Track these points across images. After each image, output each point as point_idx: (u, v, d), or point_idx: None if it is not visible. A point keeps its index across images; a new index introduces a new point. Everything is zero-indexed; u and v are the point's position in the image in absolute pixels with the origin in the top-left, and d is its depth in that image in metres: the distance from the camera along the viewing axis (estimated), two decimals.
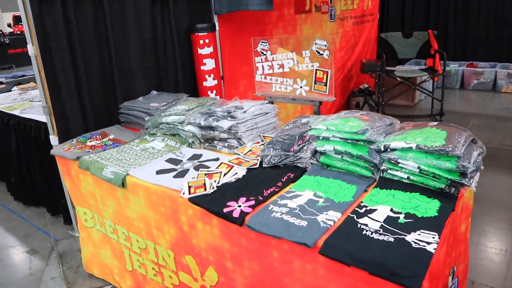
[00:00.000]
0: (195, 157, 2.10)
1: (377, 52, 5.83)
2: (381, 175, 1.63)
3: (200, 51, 3.09)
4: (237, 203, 1.57)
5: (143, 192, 1.91)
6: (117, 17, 2.85)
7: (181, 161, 2.07)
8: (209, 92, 3.17)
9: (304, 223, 1.38)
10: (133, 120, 2.69)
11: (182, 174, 1.90)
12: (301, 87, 2.33)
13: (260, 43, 2.41)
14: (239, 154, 2.02)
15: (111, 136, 2.57)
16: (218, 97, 2.53)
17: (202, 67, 3.12)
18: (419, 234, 1.26)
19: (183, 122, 2.30)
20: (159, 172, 1.96)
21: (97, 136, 2.58)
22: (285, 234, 1.34)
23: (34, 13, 2.49)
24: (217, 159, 2.03)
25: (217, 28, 3.21)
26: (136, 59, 2.96)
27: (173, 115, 2.35)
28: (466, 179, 1.42)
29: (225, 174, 1.81)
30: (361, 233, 1.30)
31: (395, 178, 1.59)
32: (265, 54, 2.41)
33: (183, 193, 1.71)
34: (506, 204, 3.21)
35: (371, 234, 1.29)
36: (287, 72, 2.37)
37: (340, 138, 1.68)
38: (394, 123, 1.80)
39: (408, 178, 1.55)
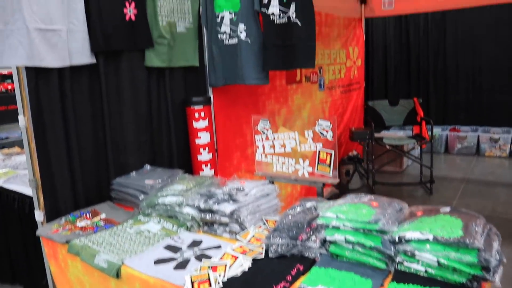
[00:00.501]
0: (195, 243, 1.99)
1: (364, 120, 5.94)
2: (396, 267, 1.55)
3: (195, 124, 3.06)
4: None
5: (140, 284, 1.78)
6: (113, 89, 2.82)
7: (180, 248, 1.95)
8: (203, 166, 3.11)
9: None
10: (126, 198, 2.59)
11: (183, 265, 1.79)
12: (303, 167, 2.29)
13: (261, 121, 2.40)
14: (242, 241, 1.92)
15: (103, 216, 2.45)
16: (215, 176, 2.46)
17: (197, 141, 3.08)
18: None
19: (182, 204, 2.21)
20: (157, 262, 1.84)
21: (87, 215, 2.46)
22: None
23: (30, 86, 2.43)
24: (219, 247, 1.93)
25: (212, 100, 3.21)
26: (130, 132, 2.90)
27: (171, 196, 2.27)
28: (490, 274, 1.35)
29: (230, 266, 1.70)
30: None
31: (412, 271, 1.51)
32: (266, 133, 2.40)
33: None
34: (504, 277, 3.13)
35: None
36: (289, 152, 2.34)
37: (351, 227, 1.62)
38: (403, 207, 1.76)
39: (425, 271, 1.47)
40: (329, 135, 2.14)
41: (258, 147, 2.44)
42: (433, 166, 5.09)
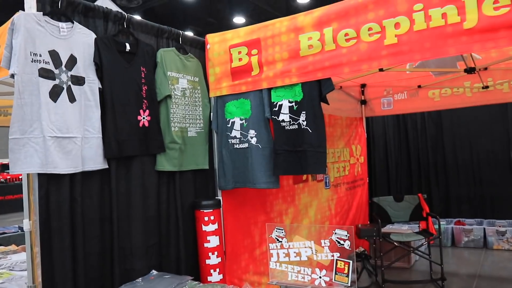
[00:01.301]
0: None
1: (369, 216, 5.89)
2: None
3: (204, 227, 3.01)
4: None
5: None
6: (123, 193, 2.82)
7: None
8: (211, 271, 3.00)
9: None
10: None
11: None
12: (320, 277, 2.21)
13: (276, 229, 2.36)
14: None
15: None
16: (225, 284, 2.36)
17: (206, 244, 3.01)
18: None
19: None
20: None
21: None
22: None
23: (41, 192, 2.43)
24: None
25: (221, 203, 3.20)
26: (138, 236, 2.84)
27: None
28: None
29: None
30: None
31: None
32: (281, 241, 2.35)
33: None
34: None
35: None
36: (305, 261, 2.28)
37: None
38: None
39: None
40: (347, 245, 2.10)
41: (272, 255, 2.37)
42: (443, 263, 4.93)
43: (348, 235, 2.07)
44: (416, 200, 5.21)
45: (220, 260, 3.03)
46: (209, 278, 3.00)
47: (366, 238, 4.92)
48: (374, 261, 5.19)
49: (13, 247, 5.25)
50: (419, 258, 6.10)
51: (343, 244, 2.10)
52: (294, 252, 2.28)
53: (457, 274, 5.51)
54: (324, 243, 2.16)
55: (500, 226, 6.68)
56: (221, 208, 3.16)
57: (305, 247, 2.23)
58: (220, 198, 3.26)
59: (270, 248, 2.36)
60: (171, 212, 3.06)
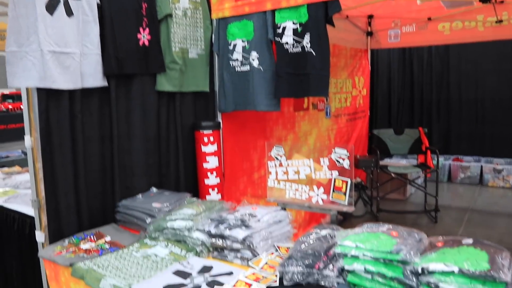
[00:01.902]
0: (206, 269, 1.93)
1: (369, 148, 5.93)
2: None
3: (204, 148, 3.04)
4: None
5: None
6: (123, 112, 2.81)
7: (190, 274, 1.89)
8: (210, 190, 3.06)
9: None
10: (132, 221, 2.53)
11: None
12: (318, 195, 2.25)
13: (275, 148, 2.37)
14: (255, 268, 1.86)
15: (108, 238, 2.39)
16: (224, 202, 2.42)
17: (205, 165, 3.05)
18: None
19: (191, 228, 2.16)
20: (167, 287, 1.78)
21: (92, 237, 2.40)
22: None
23: (41, 107, 2.42)
24: (231, 273, 1.87)
25: (221, 125, 3.20)
26: (138, 155, 2.87)
27: (180, 220, 2.21)
28: None
29: None
30: None
31: None
32: (280, 160, 2.37)
33: None
34: None
35: None
36: (303, 179, 2.31)
37: (371, 257, 1.57)
38: (423, 238, 1.71)
39: None
40: (346, 164, 2.12)
41: (270, 173, 2.40)
42: (438, 195, 5.05)
43: (348, 154, 2.08)
44: (416, 133, 5.23)
45: (219, 181, 3.09)
46: (207, 198, 3.07)
47: (364, 168, 4.99)
48: (370, 192, 5.32)
49: (17, 168, 5.35)
50: (414, 191, 6.25)
51: (342, 163, 2.11)
52: (293, 171, 2.31)
53: (450, 207, 5.67)
54: (324, 161, 2.18)
55: (497, 164, 6.77)
56: (220, 130, 3.17)
57: (304, 166, 2.26)
58: (220, 120, 3.26)
59: (269, 166, 2.39)
60: (171, 132, 3.07)
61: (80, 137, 2.58)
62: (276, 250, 2.02)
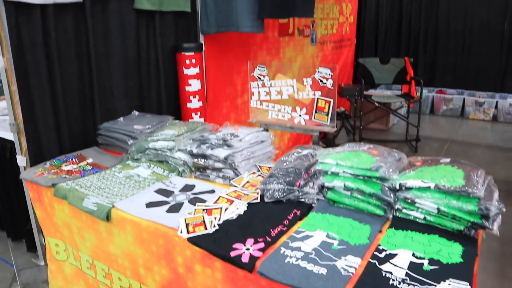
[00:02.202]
0: (188, 188, 1.94)
1: (353, 77, 5.88)
2: (395, 214, 1.54)
3: (185, 71, 2.95)
4: (245, 246, 1.43)
5: (132, 227, 1.74)
6: (100, 31, 2.67)
7: (173, 192, 1.91)
8: (193, 114, 3.02)
9: (323, 271, 1.27)
10: (113, 143, 2.50)
11: (176, 208, 1.75)
12: (300, 115, 2.23)
13: (258, 68, 2.30)
14: (236, 186, 1.88)
15: (90, 160, 2.37)
16: (206, 123, 2.38)
17: (187, 88, 2.98)
18: (449, 284, 1.17)
19: (173, 148, 2.14)
20: (149, 205, 1.79)
21: (73, 160, 2.37)
22: (305, 284, 1.22)
23: (10, 23, 2.27)
24: (213, 191, 1.89)
25: (203, 48, 3.09)
26: (118, 77, 2.78)
27: (162, 141, 2.19)
28: (489, 223, 1.35)
29: (225, 210, 1.67)
30: (388, 283, 1.19)
31: (410, 218, 1.50)
32: (262, 80, 2.31)
33: (181, 232, 1.56)
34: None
35: (399, 284, 1.19)
36: (286, 99, 2.27)
37: (351, 174, 1.59)
38: (402, 157, 1.74)
39: (424, 218, 1.47)
40: (329, 83, 2.07)
41: (253, 93, 2.36)
42: (419, 125, 5.12)
43: (332, 73, 2.03)
44: (402, 63, 5.17)
45: (201, 104, 3.04)
46: (190, 121, 3.04)
47: (348, 97, 4.98)
48: (354, 121, 5.35)
49: None
50: (397, 122, 6.33)
51: (325, 83, 2.07)
52: (276, 91, 2.26)
53: (431, 138, 5.78)
54: (307, 81, 2.14)
55: (479, 97, 6.82)
56: (203, 52, 3.06)
57: (287, 86, 2.21)
58: (203, 42, 3.14)
59: (252, 86, 2.34)
60: (151, 54, 2.95)
61: (56, 55, 2.47)
62: (258, 170, 2.04)
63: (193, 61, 2.94)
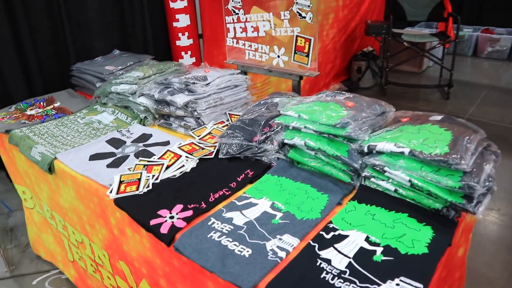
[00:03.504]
0: (143, 138, 1.72)
1: (385, 12, 5.27)
2: (362, 182, 1.25)
3: (172, 4, 2.63)
4: (170, 213, 1.21)
5: (71, 182, 1.56)
6: None
7: (125, 143, 1.69)
8: (183, 53, 2.74)
9: (247, 252, 1.03)
10: (85, 85, 2.30)
11: (118, 162, 1.53)
12: (278, 56, 1.89)
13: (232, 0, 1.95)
14: (195, 138, 1.64)
15: (57, 104, 2.19)
16: (181, 64, 2.09)
17: (175, 24, 2.67)
18: (397, 285, 0.91)
19: (135, 93, 1.90)
20: (93, 157, 1.59)
21: (41, 103, 2.20)
22: (217, 268, 0.99)
23: None
24: (167, 143, 1.66)
25: None
26: (93, 11, 2.51)
27: (124, 84, 1.95)
28: (471, 205, 1.04)
29: (168, 167, 1.44)
30: (319, 277, 0.94)
31: (380, 189, 1.21)
32: (237, 13, 1.96)
33: (111, 191, 1.35)
34: None
35: (332, 279, 0.93)
36: (263, 37, 1.93)
37: (314, 130, 1.29)
38: (387, 111, 1.40)
39: (396, 191, 1.17)
40: (309, 17, 1.70)
41: (229, 30, 2.03)
42: (454, 69, 4.56)
43: (311, 5, 1.65)
44: None
45: (192, 42, 2.73)
46: (180, 61, 2.76)
47: (374, 35, 4.47)
48: (382, 62, 4.85)
49: None
50: (432, 64, 5.72)
51: (305, 17, 1.70)
52: (252, 27, 1.92)
53: (468, 83, 5.19)
54: (284, 15, 1.78)
55: None
56: None
57: (263, 20, 1.86)
58: None
59: (226, 21, 2.01)
60: None
61: None
62: (228, 119, 1.77)
63: None
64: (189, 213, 1.20)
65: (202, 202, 1.25)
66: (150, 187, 1.34)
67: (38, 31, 2.32)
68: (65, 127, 1.91)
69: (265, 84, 3.26)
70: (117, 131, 1.80)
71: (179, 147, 1.56)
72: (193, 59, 2.78)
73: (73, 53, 2.45)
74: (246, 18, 1.92)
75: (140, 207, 1.25)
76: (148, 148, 1.62)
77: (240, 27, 1.97)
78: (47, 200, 1.89)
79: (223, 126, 1.71)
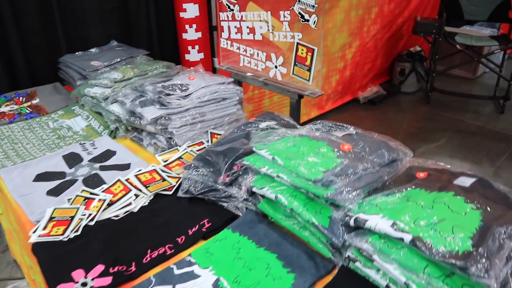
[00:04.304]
0: (104, 156, 1.43)
1: (440, 9, 4.69)
2: (345, 263, 0.90)
3: None
4: (85, 276, 0.92)
5: (8, 205, 1.31)
6: None
7: (82, 160, 1.41)
8: (189, 48, 2.43)
9: None
10: (69, 80, 2.05)
11: (60, 189, 1.26)
12: (276, 66, 1.53)
13: None
14: (160, 163, 1.34)
15: (35, 101, 1.95)
16: (172, 64, 1.78)
17: (182, 14, 2.36)
18: None
19: (107, 98, 1.62)
20: (39, 177, 1.33)
21: (20, 99, 1.97)
22: None
23: None
24: (127, 167, 1.36)
25: None
26: None
27: (98, 87, 1.68)
28: None
29: (111, 203, 1.14)
30: None
31: (368, 278, 0.86)
32: (232, 10, 1.61)
33: (34, 231, 1.08)
34: None
35: None
36: (259, 41, 1.57)
37: (289, 183, 0.95)
38: (398, 159, 1.02)
39: (387, 287, 0.82)
40: (312, 21, 1.32)
41: (223, 28, 1.69)
42: None
43: (317, 5, 1.27)
44: None
45: (200, 35, 2.41)
46: (186, 57, 2.45)
47: (422, 34, 3.95)
48: (430, 65, 4.32)
49: None
50: (489, 70, 5.07)
51: (308, 20, 1.32)
52: (247, 27, 1.57)
53: None
54: (284, 15, 1.41)
55: None
56: None
57: (260, 21, 1.50)
58: None
59: (221, 18, 1.67)
60: None
61: None
62: (208, 140, 1.46)
63: None
64: (107, 280, 0.90)
65: (133, 264, 0.95)
66: (79, 231, 1.06)
67: (24, 16, 2.08)
68: (31, 132, 1.66)
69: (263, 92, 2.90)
70: (80, 143, 1.53)
71: (136, 175, 1.26)
72: (201, 55, 2.46)
73: (65, 42, 2.20)
74: (242, 16, 1.57)
75: (55, 261, 0.97)
76: (102, 172, 1.33)
77: (235, 27, 1.62)
78: (4, 211, 1.67)
79: (198, 150, 1.39)
